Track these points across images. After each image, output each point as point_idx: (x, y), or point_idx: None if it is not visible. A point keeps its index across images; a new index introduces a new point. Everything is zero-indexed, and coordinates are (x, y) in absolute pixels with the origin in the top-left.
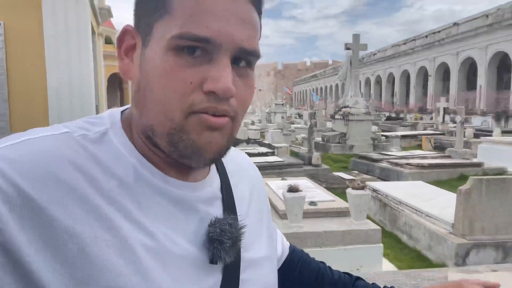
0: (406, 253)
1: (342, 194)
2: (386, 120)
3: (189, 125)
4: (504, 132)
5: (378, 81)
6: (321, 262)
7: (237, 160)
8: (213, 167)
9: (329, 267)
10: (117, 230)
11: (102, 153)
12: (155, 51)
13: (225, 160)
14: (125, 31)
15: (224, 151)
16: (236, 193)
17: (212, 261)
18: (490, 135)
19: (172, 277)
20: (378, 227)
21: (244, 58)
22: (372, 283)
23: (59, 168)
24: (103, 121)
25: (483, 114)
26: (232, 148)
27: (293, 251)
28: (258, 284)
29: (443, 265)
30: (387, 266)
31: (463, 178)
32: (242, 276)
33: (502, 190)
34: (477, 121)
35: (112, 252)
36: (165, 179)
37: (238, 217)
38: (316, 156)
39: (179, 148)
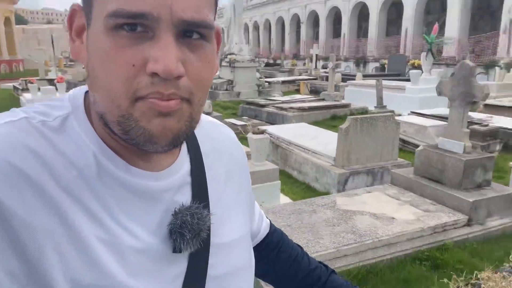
0: (297, 186)
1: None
2: (265, 66)
3: (137, 111)
4: (365, 76)
5: (256, 27)
6: (299, 246)
7: (217, 138)
8: (184, 148)
9: (307, 254)
10: (73, 224)
11: (62, 142)
12: (95, 31)
13: (201, 138)
14: (73, 11)
15: (183, 136)
16: (210, 175)
17: (175, 250)
18: (354, 79)
19: (128, 270)
20: (276, 166)
21: (195, 31)
22: (346, 281)
23: (17, 157)
24: (64, 104)
25: (346, 60)
26: (216, 123)
27: (274, 231)
28: (229, 267)
29: (328, 192)
30: (284, 199)
31: (335, 118)
32: (212, 261)
33: (371, 126)
34: (341, 66)
35: (68, 247)
36: (127, 168)
37: (210, 202)
38: (208, 103)
39: (130, 136)
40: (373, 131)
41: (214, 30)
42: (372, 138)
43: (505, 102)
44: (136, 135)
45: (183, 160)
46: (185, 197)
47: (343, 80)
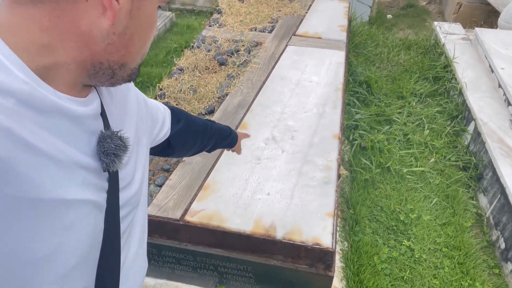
0: None
1: None
2: None
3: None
4: None
5: None
6: (205, 120)
7: None
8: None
9: (209, 121)
10: (31, 148)
11: None
12: (152, 7)
13: None
14: None
15: None
16: (105, 104)
17: (106, 170)
18: None
19: (77, 182)
20: None
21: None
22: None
23: None
24: None
25: None
26: None
27: (176, 129)
28: (131, 178)
29: None
30: None
31: None
32: (121, 175)
33: None
34: None
35: (31, 169)
36: (57, 95)
37: (114, 129)
38: None
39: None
40: None
41: None
42: None
43: None
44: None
45: (95, 92)
46: (99, 124)
47: None
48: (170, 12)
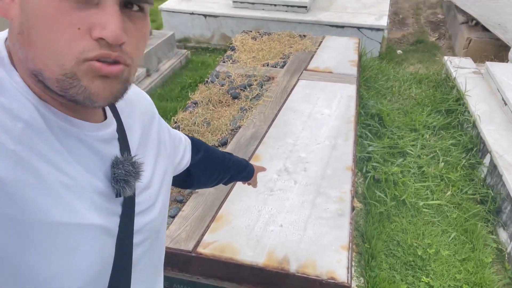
0: None
1: None
2: None
3: (81, 71)
4: None
5: None
6: (225, 153)
7: (128, 95)
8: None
9: (227, 154)
10: (37, 171)
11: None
12: None
13: None
14: None
15: (119, 96)
16: (127, 129)
17: (118, 195)
18: None
19: (87, 207)
20: None
21: (135, 2)
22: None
23: None
24: None
25: None
26: None
27: (197, 158)
28: (149, 203)
29: None
30: None
31: None
32: (138, 200)
33: None
34: None
35: (36, 192)
36: (67, 119)
37: (134, 154)
38: None
39: (69, 93)
40: None
41: (152, 5)
42: None
43: None
44: (77, 93)
45: (111, 117)
46: (115, 149)
47: None
48: (185, 50)
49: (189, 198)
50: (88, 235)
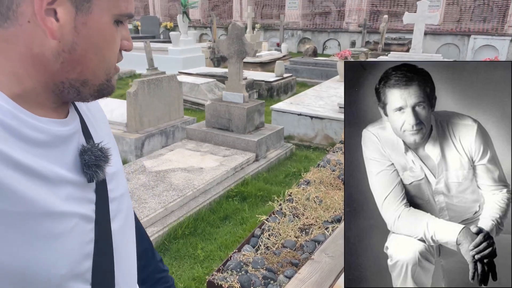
0: None
1: None
2: None
3: (112, 74)
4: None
5: None
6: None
7: None
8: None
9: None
10: (21, 166)
11: None
12: (102, 22)
13: None
14: None
15: None
16: (88, 121)
17: (91, 180)
18: None
19: (62, 197)
20: None
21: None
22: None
23: None
24: None
25: None
26: None
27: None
28: (120, 191)
29: (125, 160)
30: None
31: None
32: (109, 186)
33: (158, 87)
34: None
35: (21, 185)
36: (36, 118)
37: (99, 142)
38: None
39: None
40: (159, 91)
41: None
42: (159, 98)
43: (256, 59)
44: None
45: (74, 111)
46: (81, 139)
47: None
48: (291, 144)
49: (304, 263)
50: (70, 223)
